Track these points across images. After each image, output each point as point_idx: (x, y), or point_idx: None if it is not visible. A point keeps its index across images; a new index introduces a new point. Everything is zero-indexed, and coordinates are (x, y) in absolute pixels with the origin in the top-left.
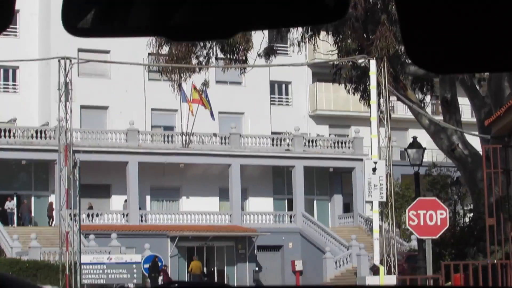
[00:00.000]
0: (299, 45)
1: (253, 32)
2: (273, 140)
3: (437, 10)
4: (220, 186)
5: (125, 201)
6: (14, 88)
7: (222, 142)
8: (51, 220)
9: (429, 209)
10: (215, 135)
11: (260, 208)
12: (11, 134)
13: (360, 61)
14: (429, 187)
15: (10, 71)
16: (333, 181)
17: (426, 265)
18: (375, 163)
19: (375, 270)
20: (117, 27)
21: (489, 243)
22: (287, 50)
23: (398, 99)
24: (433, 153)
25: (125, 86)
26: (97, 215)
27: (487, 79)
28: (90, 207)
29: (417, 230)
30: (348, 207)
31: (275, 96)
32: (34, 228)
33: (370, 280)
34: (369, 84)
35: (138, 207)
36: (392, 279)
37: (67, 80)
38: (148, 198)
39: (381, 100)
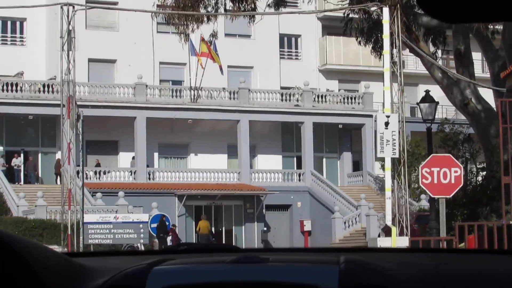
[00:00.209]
0: None
1: None
2: (282, 95)
3: None
4: (228, 142)
5: (133, 158)
6: (22, 41)
7: (231, 97)
8: (58, 177)
9: (443, 167)
10: (224, 89)
11: (269, 166)
12: (18, 88)
13: (372, 9)
14: (442, 144)
15: (18, 23)
16: (342, 138)
17: (440, 226)
18: (388, 117)
19: (386, 231)
20: None
21: (504, 203)
22: (297, 2)
23: (411, 50)
24: (443, 110)
25: (133, 39)
26: (104, 173)
27: (501, 31)
28: (98, 164)
29: (431, 189)
30: (357, 165)
31: (285, 50)
32: (41, 186)
33: (382, 241)
34: (382, 34)
35: (146, 164)
36: (405, 241)
37: (70, 28)
38: (156, 155)
39: (394, 51)
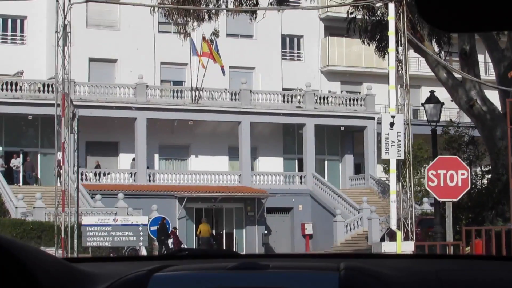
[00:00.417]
0: None
1: None
2: (284, 96)
3: None
4: (229, 144)
5: (133, 159)
6: (22, 39)
7: (232, 98)
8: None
9: (450, 169)
10: (225, 90)
11: (270, 168)
12: (18, 87)
13: (378, 5)
14: (446, 146)
15: (18, 22)
16: (344, 141)
17: (446, 230)
18: (393, 117)
19: (391, 235)
20: None
21: (511, 207)
22: (299, 2)
23: (415, 50)
24: (445, 112)
25: (134, 38)
26: (104, 174)
27: (507, 31)
28: (97, 166)
29: (437, 192)
30: (359, 168)
31: (287, 50)
32: (40, 187)
33: (387, 246)
34: (386, 33)
35: (146, 166)
36: (410, 245)
37: (66, 22)
38: (156, 156)
39: (399, 49)
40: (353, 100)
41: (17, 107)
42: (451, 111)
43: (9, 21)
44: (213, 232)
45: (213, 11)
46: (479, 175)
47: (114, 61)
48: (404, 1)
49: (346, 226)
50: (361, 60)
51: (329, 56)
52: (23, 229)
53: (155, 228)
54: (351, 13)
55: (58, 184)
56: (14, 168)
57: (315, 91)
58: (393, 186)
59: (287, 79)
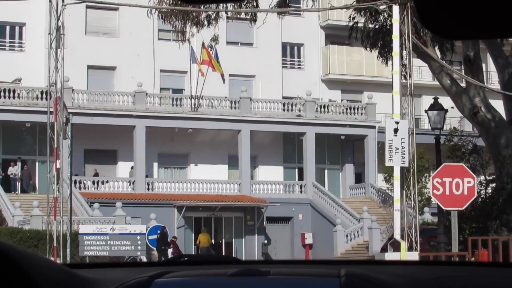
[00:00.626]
0: None
1: None
2: (284, 104)
3: None
4: (229, 153)
5: (132, 167)
6: (21, 46)
7: (232, 107)
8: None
9: (456, 177)
10: (225, 98)
11: (270, 177)
12: (16, 94)
13: (381, 7)
14: (450, 154)
15: (17, 28)
16: (344, 150)
17: (452, 241)
18: (397, 123)
19: (395, 246)
20: None
21: None
22: (299, 6)
23: (418, 55)
24: (447, 120)
25: (133, 46)
26: (102, 183)
27: None
28: (96, 174)
29: (442, 201)
30: (359, 177)
31: (287, 58)
32: (37, 195)
33: (390, 256)
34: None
35: (145, 174)
36: (414, 256)
37: (59, 24)
38: (155, 165)
39: (403, 53)
40: (354, 108)
41: (15, 115)
42: (452, 120)
43: (8, 27)
44: (212, 241)
45: (212, 17)
46: (483, 184)
47: (113, 68)
48: (408, 4)
49: (347, 236)
50: (362, 68)
51: (330, 64)
52: (20, 237)
53: (153, 237)
54: (353, 18)
55: (58, 192)
56: (11, 176)
57: (316, 100)
58: (397, 195)
59: (287, 88)
